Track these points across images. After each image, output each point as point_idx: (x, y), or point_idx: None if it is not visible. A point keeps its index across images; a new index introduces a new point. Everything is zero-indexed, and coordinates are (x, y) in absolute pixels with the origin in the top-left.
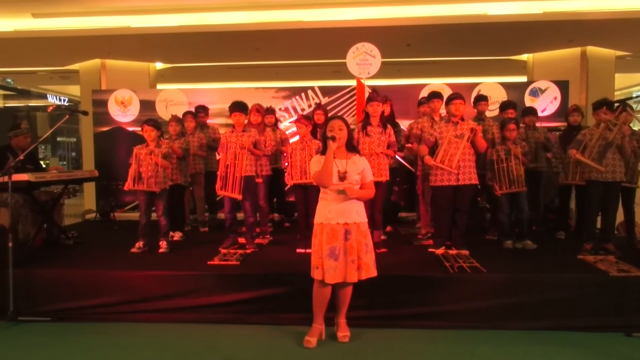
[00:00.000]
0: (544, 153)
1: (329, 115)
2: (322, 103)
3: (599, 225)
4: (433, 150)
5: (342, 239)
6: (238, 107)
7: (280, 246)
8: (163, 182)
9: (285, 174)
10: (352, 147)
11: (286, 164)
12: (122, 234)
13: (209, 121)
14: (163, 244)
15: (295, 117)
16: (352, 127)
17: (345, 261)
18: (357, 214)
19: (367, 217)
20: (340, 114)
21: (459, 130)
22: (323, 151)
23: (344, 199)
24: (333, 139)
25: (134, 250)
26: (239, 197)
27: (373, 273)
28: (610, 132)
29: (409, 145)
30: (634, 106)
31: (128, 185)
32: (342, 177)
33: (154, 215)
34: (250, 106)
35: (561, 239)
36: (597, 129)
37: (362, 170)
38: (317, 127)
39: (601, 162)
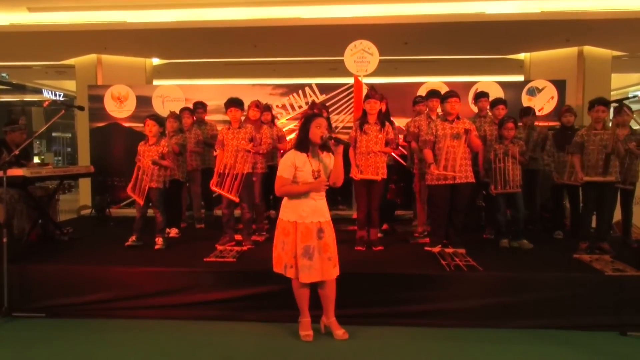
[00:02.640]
0: (541, 151)
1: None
2: (319, 100)
3: (593, 224)
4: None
5: (316, 237)
6: (234, 102)
7: None
8: (157, 180)
9: None
10: (324, 145)
11: None
12: (118, 230)
13: (207, 117)
14: (159, 240)
15: (292, 115)
16: (349, 124)
17: (320, 259)
18: (327, 212)
19: (364, 215)
20: (337, 111)
21: (454, 129)
22: (300, 145)
23: (318, 197)
24: (347, 144)
25: (127, 243)
26: (236, 199)
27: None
28: (607, 138)
29: (405, 143)
30: (632, 107)
31: (130, 190)
32: (317, 177)
33: (150, 212)
34: (249, 102)
35: (559, 238)
36: (593, 133)
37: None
38: None
39: (608, 169)
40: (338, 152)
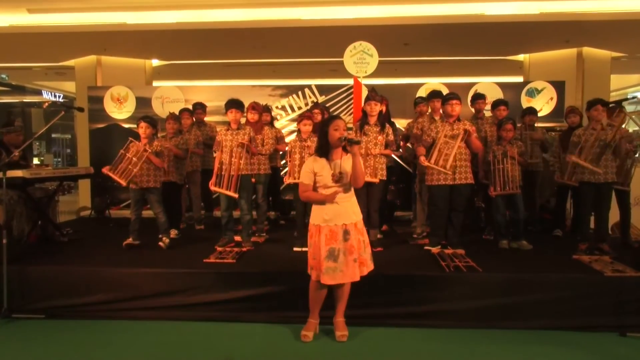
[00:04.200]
0: (540, 153)
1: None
2: (319, 102)
3: (592, 225)
4: (429, 150)
5: (342, 239)
6: (234, 104)
7: (276, 244)
8: (154, 181)
9: (287, 172)
10: (344, 147)
11: (283, 162)
12: (117, 231)
13: (206, 119)
14: (165, 240)
15: (292, 116)
16: (349, 126)
17: (346, 261)
18: (354, 213)
19: (363, 215)
20: (337, 112)
21: (455, 130)
22: (319, 150)
23: (341, 201)
24: (354, 142)
25: (125, 242)
26: (235, 195)
27: (371, 267)
28: (605, 132)
29: (405, 144)
30: (628, 108)
31: (106, 169)
32: (338, 179)
33: (146, 214)
34: (246, 104)
35: (558, 236)
36: (591, 130)
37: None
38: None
39: (598, 163)
40: (354, 153)
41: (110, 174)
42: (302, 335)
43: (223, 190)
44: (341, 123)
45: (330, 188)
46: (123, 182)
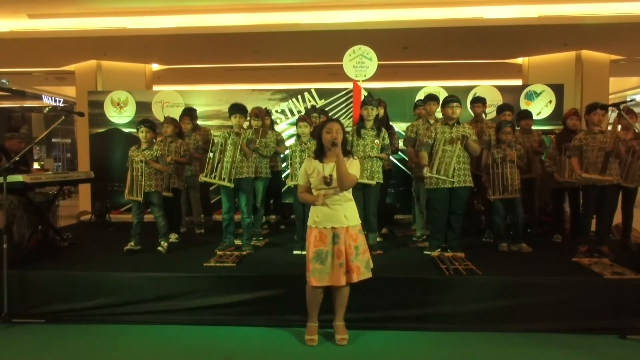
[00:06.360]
0: (539, 160)
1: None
2: (319, 105)
3: (593, 227)
4: (430, 154)
5: (330, 242)
6: (239, 109)
7: (276, 248)
8: (155, 185)
9: (289, 175)
10: (345, 150)
11: (284, 164)
12: (117, 235)
13: (204, 123)
14: (163, 244)
15: (292, 120)
16: (348, 129)
17: (332, 265)
18: (346, 217)
19: (360, 219)
20: (336, 116)
21: (454, 133)
22: (315, 152)
23: (332, 204)
24: (334, 144)
25: (126, 247)
26: (230, 185)
27: (366, 275)
28: (605, 135)
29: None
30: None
31: (127, 195)
32: (329, 182)
33: (147, 218)
34: (248, 107)
35: (558, 241)
36: (592, 135)
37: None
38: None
39: (606, 171)
40: (335, 154)
41: (134, 198)
42: (307, 340)
43: (215, 180)
44: (334, 126)
45: (319, 190)
46: (140, 199)
